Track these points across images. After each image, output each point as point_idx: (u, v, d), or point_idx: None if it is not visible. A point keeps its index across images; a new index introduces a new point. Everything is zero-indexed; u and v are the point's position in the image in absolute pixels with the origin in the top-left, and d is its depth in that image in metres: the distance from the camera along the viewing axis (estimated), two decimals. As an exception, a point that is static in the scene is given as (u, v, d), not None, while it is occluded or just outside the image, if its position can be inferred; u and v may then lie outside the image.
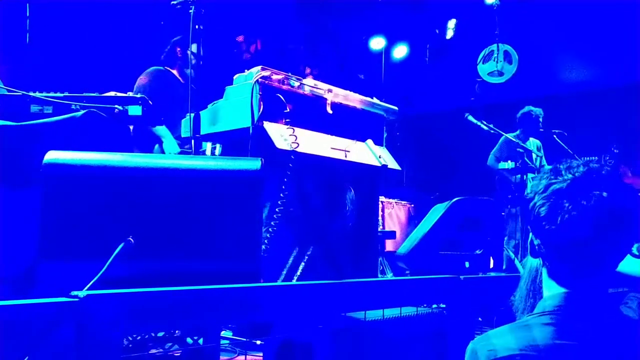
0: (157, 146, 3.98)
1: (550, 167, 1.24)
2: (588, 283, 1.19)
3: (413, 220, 6.83)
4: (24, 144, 2.27)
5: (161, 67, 4.34)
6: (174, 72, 4.39)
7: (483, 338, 1.22)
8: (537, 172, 5.19)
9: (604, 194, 1.14)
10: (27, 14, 3.56)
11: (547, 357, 1.12)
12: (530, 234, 1.25)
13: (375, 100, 3.41)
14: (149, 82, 4.16)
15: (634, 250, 1.87)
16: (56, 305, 1.18)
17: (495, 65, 6.92)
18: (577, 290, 1.20)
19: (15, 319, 1.13)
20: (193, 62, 4.33)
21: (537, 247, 1.24)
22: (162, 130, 3.93)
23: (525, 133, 5.85)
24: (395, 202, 6.74)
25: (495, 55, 6.92)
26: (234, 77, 2.96)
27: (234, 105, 2.86)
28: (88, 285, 1.57)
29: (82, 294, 1.21)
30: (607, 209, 1.13)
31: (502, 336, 1.19)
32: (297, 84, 2.95)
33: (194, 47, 4.36)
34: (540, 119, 5.84)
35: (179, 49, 4.38)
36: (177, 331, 2.11)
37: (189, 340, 2.11)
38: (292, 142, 2.73)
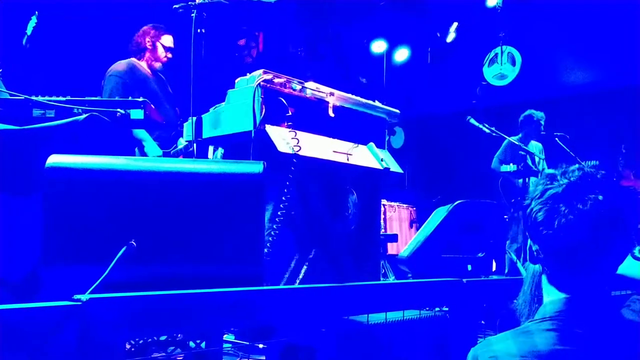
0: (137, 149, 3.85)
1: (547, 172, 1.25)
2: (588, 287, 1.19)
3: (415, 223, 6.83)
4: (26, 148, 2.27)
5: (130, 60, 4.11)
6: (142, 64, 4.16)
7: (484, 344, 1.22)
8: (540, 175, 5.20)
9: (600, 197, 1.15)
10: (35, 18, 3.54)
11: None
12: (529, 240, 1.25)
13: (377, 103, 3.41)
14: (120, 77, 3.93)
15: (636, 252, 1.86)
16: (59, 309, 1.18)
17: (499, 68, 6.93)
18: (577, 295, 1.19)
19: (18, 323, 1.13)
20: (163, 55, 4.16)
21: (535, 252, 1.24)
22: (141, 132, 3.78)
23: (527, 136, 5.85)
24: (398, 205, 6.74)
25: (499, 57, 6.93)
26: (236, 81, 2.96)
27: (236, 109, 2.86)
28: (90, 289, 1.57)
29: (84, 297, 1.21)
30: (603, 212, 1.14)
31: (503, 342, 1.19)
32: (299, 87, 2.96)
33: (165, 40, 4.18)
34: (542, 122, 5.85)
35: (148, 39, 4.15)
36: (179, 335, 2.11)
37: (191, 344, 2.10)
38: (294, 146, 2.73)
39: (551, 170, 1.26)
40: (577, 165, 1.23)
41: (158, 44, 4.17)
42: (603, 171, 1.20)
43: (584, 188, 1.16)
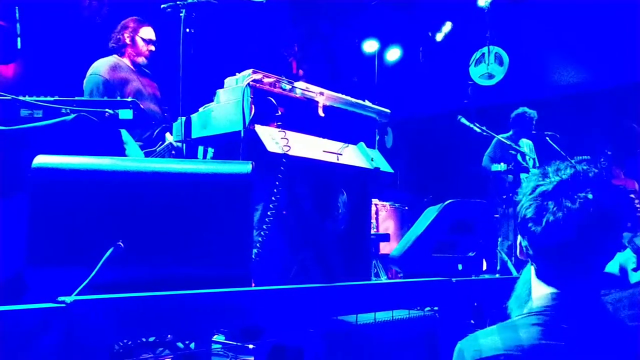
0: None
1: (539, 169, 1.24)
2: (576, 283, 1.19)
3: (406, 222, 6.84)
4: (13, 149, 2.25)
5: (111, 58, 3.99)
6: (125, 60, 4.04)
7: (470, 338, 1.23)
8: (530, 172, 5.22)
9: (590, 195, 1.14)
10: (17, 17, 3.52)
11: (531, 357, 1.13)
12: (519, 235, 1.25)
13: (367, 102, 3.41)
14: (101, 76, 3.82)
15: (637, 241, 1.86)
16: (43, 311, 1.17)
17: (486, 68, 6.96)
18: (565, 290, 1.20)
19: (1, 325, 1.12)
20: (144, 49, 4.06)
21: (524, 248, 1.24)
22: (123, 134, 3.76)
23: (518, 134, 5.87)
24: (389, 205, 6.74)
25: (486, 57, 6.96)
26: (225, 80, 2.95)
27: (225, 109, 2.84)
28: (76, 292, 1.56)
29: (69, 299, 1.20)
30: (592, 211, 1.13)
31: (488, 336, 1.20)
32: (288, 87, 2.95)
33: (144, 33, 4.05)
34: (534, 121, 5.87)
35: (126, 34, 4.04)
36: (168, 335, 2.09)
37: (180, 345, 2.09)
38: (284, 145, 2.72)
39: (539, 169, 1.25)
40: (569, 163, 1.22)
41: (137, 37, 4.05)
42: (596, 170, 1.19)
43: (574, 186, 1.16)
